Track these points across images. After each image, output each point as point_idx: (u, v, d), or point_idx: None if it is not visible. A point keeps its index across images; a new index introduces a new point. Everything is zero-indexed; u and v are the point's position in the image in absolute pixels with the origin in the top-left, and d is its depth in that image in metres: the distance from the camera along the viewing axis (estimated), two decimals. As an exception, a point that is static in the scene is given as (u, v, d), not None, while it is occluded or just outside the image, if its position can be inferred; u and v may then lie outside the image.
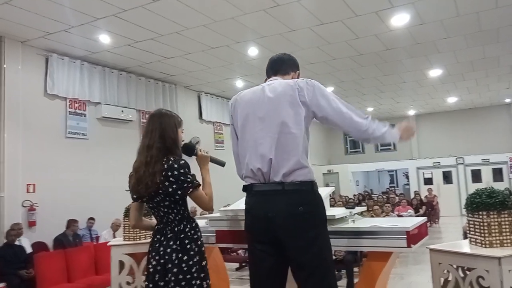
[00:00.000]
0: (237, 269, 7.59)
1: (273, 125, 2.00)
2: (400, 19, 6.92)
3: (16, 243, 6.06)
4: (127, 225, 3.44)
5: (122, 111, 8.63)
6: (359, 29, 7.31)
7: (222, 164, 2.62)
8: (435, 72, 10.50)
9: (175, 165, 2.19)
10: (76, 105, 7.85)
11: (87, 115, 8.04)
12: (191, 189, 2.20)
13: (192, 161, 2.41)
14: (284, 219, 1.91)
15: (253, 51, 8.04)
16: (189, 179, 2.20)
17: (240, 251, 7.50)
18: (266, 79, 2.27)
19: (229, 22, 6.60)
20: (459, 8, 6.58)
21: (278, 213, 1.92)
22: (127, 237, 3.44)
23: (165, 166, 2.18)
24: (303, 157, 1.98)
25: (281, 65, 2.26)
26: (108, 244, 3.54)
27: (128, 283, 3.32)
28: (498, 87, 12.78)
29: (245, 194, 2.15)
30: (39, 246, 6.58)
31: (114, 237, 6.85)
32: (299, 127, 1.99)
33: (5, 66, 6.72)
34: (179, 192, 2.18)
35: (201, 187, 2.26)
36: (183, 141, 2.41)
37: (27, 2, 5.61)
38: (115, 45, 7.37)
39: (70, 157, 7.62)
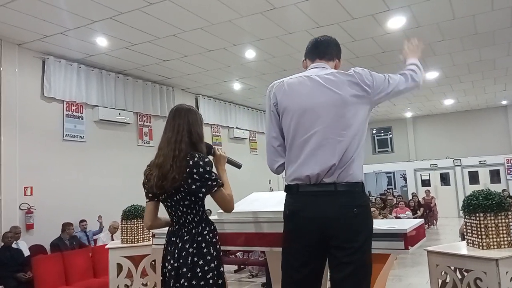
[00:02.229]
0: (235, 272, 7.59)
1: (338, 127, 1.86)
2: (396, 22, 6.95)
3: (14, 246, 6.04)
4: (125, 227, 3.44)
5: (120, 113, 8.63)
6: (355, 32, 7.34)
7: (239, 166, 2.55)
8: (431, 75, 10.54)
9: (201, 162, 2.07)
10: (73, 107, 7.84)
11: (84, 118, 8.03)
12: (215, 188, 2.09)
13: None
14: (339, 221, 1.81)
15: (250, 53, 8.05)
16: (213, 177, 2.10)
17: (238, 254, 7.50)
18: (304, 60, 2.13)
19: (226, 24, 6.62)
20: (455, 11, 6.61)
21: (331, 215, 1.82)
22: (125, 239, 3.43)
23: (190, 162, 2.06)
24: (360, 160, 1.89)
25: (327, 48, 2.10)
26: (106, 247, 3.53)
27: (126, 286, 3.32)
28: (495, 89, 12.84)
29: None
30: (37, 249, 6.56)
31: (112, 239, 6.83)
32: (363, 127, 1.92)
33: (1, 69, 6.71)
34: (203, 190, 2.07)
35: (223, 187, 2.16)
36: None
37: (24, 5, 5.61)
38: (112, 47, 7.36)
39: (68, 159, 7.60)
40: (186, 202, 2.11)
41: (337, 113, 1.87)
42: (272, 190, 12.85)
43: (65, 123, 7.65)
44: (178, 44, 7.34)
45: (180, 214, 2.16)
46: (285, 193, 2.00)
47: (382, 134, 18.98)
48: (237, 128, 12.59)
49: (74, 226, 7.15)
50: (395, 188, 19.89)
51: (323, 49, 2.09)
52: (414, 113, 16.98)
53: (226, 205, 2.17)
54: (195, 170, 2.06)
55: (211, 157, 2.29)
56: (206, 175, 2.07)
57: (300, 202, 1.89)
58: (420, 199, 13.91)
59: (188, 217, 2.14)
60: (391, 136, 18.68)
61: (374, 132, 18.95)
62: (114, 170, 8.17)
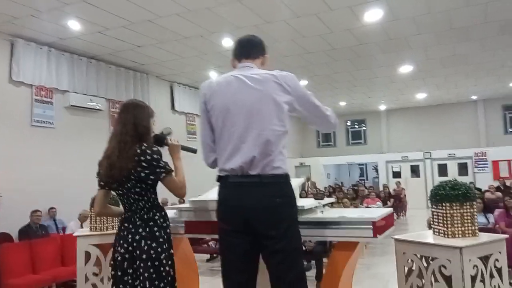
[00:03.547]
0: (207, 261, 7.58)
1: (258, 121, 1.98)
2: (373, 15, 7.01)
3: (-22, 234, 5.86)
4: (93, 215, 3.37)
5: (91, 100, 8.43)
6: (333, 24, 7.36)
7: (193, 151, 2.64)
8: (406, 68, 10.72)
9: (148, 151, 2.22)
10: (43, 92, 7.61)
11: (54, 103, 7.80)
12: (163, 174, 2.22)
13: (165, 152, 2.39)
14: (262, 210, 1.94)
15: (227, 42, 7.97)
16: (161, 165, 2.23)
17: (211, 243, 7.50)
18: (232, 59, 2.22)
19: (203, 11, 6.52)
20: (431, 5, 6.71)
21: (255, 204, 1.95)
22: (94, 227, 3.37)
23: (138, 151, 2.20)
24: (283, 152, 2.01)
25: (252, 48, 2.20)
26: (74, 234, 3.46)
27: (94, 274, 3.26)
28: (466, 84, 13.18)
29: (213, 184, 2.14)
30: (3, 237, 6.38)
31: (82, 228, 6.70)
32: (284, 123, 2.02)
33: (-34, 50, 6.44)
34: (152, 177, 2.20)
35: (173, 173, 2.28)
36: (153, 132, 2.41)
37: (-10, -17, 5.38)
38: (85, 31, 7.16)
39: (36, 146, 7.39)
40: (137, 190, 2.24)
41: (260, 109, 1.99)
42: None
43: (33, 108, 7.43)
44: (153, 29, 7.19)
45: (132, 201, 2.28)
46: (217, 182, 2.12)
47: (356, 126, 19.25)
48: (212, 117, 12.49)
49: (43, 214, 6.98)
50: (367, 180, 20.27)
51: (248, 50, 2.19)
52: (388, 106, 17.27)
53: (177, 191, 2.29)
54: (142, 158, 2.19)
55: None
56: (154, 163, 2.21)
57: (228, 192, 2.05)
58: (390, 190, 14.22)
59: (140, 203, 2.28)
60: (365, 128, 18.96)
61: (348, 124, 19.19)
62: (85, 157, 7.96)
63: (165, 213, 2.37)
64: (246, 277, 2.03)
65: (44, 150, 7.51)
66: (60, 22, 6.72)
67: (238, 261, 2.01)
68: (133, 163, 2.18)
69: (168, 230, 2.33)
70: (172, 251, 2.31)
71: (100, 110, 8.64)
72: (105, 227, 3.34)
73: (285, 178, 2.01)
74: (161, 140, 2.45)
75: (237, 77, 2.07)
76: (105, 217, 3.36)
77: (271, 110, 1.98)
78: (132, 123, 2.27)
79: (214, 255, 7.57)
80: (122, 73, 9.29)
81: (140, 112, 2.33)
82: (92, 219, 3.41)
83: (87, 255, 3.26)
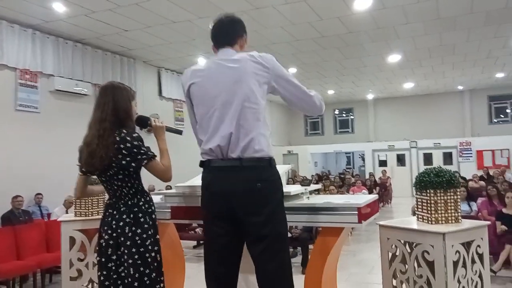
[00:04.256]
0: (194, 247, 7.61)
1: (235, 99, 1.95)
2: (362, 3, 6.99)
3: (-40, 219, 5.76)
4: (78, 201, 3.33)
5: (77, 84, 8.29)
6: (322, 11, 7.33)
7: (179, 132, 2.58)
8: (394, 58, 10.76)
9: (128, 138, 2.16)
10: (27, 76, 7.45)
11: (39, 87, 7.66)
12: (145, 161, 2.18)
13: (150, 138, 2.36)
14: (242, 195, 1.91)
15: (215, 27, 7.87)
16: (142, 151, 2.18)
17: (198, 229, 7.51)
18: (212, 46, 2.19)
19: (191, -4, 6.43)
20: (419, -6, 6.72)
21: (236, 189, 1.91)
22: (79, 213, 3.34)
23: (117, 138, 2.14)
24: (262, 132, 1.96)
25: (226, 36, 2.15)
26: (59, 219, 3.43)
27: (79, 260, 3.24)
28: (453, 74, 13.29)
29: (201, 170, 2.12)
30: (-15, 223, 6.29)
31: (67, 214, 6.64)
32: (261, 101, 1.98)
33: None
34: (133, 164, 2.16)
35: (157, 158, 2.24)
36: (136, 113, 2.36)
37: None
38: (71, 14, 7.00)
39: (20, 131, 7.26)
40: (119, 177, 2.20)
41: (236, 88, 1.96)
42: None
43: (18, 92, 7.28)
44: (140, 13, 7.07)
45: (115, 188, 2.25)
46: (200, 167, 2.09)
47: (344, 115, 19.34)
48: (200, 104, 12.40)
49: (27, 200, 6.89)
50: (353, 168, 20.44)
51: (223, 39, 2.15)
52: (375, 95, 17.35)
53: (162, 175, 2.24)
54: (122, 146, 2.14)
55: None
56: (135, 149, 2.15)
57: (210, 177, 2.02)
58: (376, 179, 14.37)
59: (123, 190, 2.24)
60: (352, 117, 19.06)
61: (336, 113, 19.26)
62: (70, 143, 7.78)
63: (150, 199, 2.34)
64: (227, 269, 2.01)
65: (28, 135, 7.38)
66: (44, 4, 6.57)
67: (219, 252, 2.00)
68: (113, 151, 2.13)
69: (153, 216, 2.30)
70: (158, 236, 2.28)
71: (86, 95, 8.50)
72: (90, 213, 3.31)
73: (267, 161, 1.96)
74: (144, 121, 2.39)
75: (216, 61, 2.08)
76: (89, 203, 3.33)
77: (248, 88, 1.95)
78: (112, 108, 2.20)
79: (201, 241, 7.59)
80: (109, 58, 9.14)
81: (119, 95, 2.25)
82: (76, 204, 3.38)
83: (72, 241, 3.23)
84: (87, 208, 3.31)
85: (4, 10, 6.72)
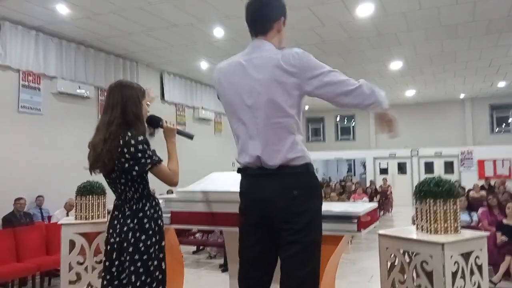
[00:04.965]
0: (194, 252, 7.60)
1: (262, 115, 1.82)
2: (365, 9, 7.02)
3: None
4: (79, 203, 3.34)
5: (79, 86, 8.31)
6: (325, 17, 7.36)
7: (190, 136, 2.51)
8: (395, 65, 10.77)
9: (132, 141, 2.07)
10: (30, 78, 7.48)
11: (42, 89, 7.68)
12: (149, 165, 2.11)
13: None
14: (278, 203, 1.83)
15: (218, 31, 7.92)
16: (147, 155, 2.09)
17: (197, 235, 7.50)
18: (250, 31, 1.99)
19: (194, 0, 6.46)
20: (422, 1, 6.74)
21: (272, 197, 1.84)
22: (79, 216, 3.34)
23: (121, 142, 2.07)
24: (296, 140, 1.86)
25: (261, 21, 1.94)
26: (59, 222, 3.43)
27: (78, 263, 3.24)
28: (454, 82, 13.29)
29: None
30: (-14, 224, 6.30)
31: (68, 216, 6.64)
32: (290, 113, 1.83)
33: (-49, 31, 6.28)
34: (136, 168, 2.09)
35: (163, 163, 2.17)
36: (148, 112, 2.29)
37: (-23, -36, 5.24)
38: (74, 16, 7.04)
39: (23, 132, 7.27)
40: (122, 181, 2.15)
41: (261, 100, 1.82)
42: (234, 172, 12.87)
43: (20, 93, 7.30)
44: (143, 17, 7.10)
45: (120, 191, 2.20)
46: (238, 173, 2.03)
47: (345, 122, 19.33)
48: (202, 108, 12.43)
49: (28, 202, 6.90)
50: (354, 175, 20.41)
51: (257, 25, 1.95)
52: (377, 102, 17.32)
53: (168, 180, 2.18)
54: (125, 150, 2.07)
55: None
56: (139, 154, 2.08)
57: (246, 184, 1.95)
58: (377, 187, 14.35)
59: (128, 194, 2.18)
60: (354, 124, 19.05)
61: (337, 119, 19.26)
62: (72, 145, 7.88)
63: (157, 203, 2.26)
64: (260, 277, 1.94)
65: (30, 137, 7.40)
66: (48, 6, 6.60)
67: (254, 259, 1.93)
68: (117, 154, 2.06)
69: (159, 222, 2.21)
70: (163, 243, 2.20)
71: (88, 97, 8.53)
72: (90, 216, 3.31)
73: (305, 167, 1.86)
74: (156, 122, 2.32)
75: (240, 62, 1.91)
76: (90, 206, 3.33)
77: (274, 102, 1.80)
78: (120, 111, 2.12)
79: (201, 247, 7.58)
80: (112, 60, 9.17)
81: (128, 96, 2.15)
82: (77, 207, 3.38)
83: (72, 244, 3.23)
84: (87, 212, 3.31)
85: (8, 11, 6.76)
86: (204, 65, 10.39)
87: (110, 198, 3.49)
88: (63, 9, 6.71)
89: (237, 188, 2.01)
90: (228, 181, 2.67)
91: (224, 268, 6.21)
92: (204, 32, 7.93)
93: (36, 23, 7.34)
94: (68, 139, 7.90)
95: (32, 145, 7.39)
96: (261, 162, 1.85)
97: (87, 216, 3.32)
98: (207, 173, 3.07)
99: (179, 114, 11.56)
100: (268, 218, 1.87)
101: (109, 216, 2.32)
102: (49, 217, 7.20)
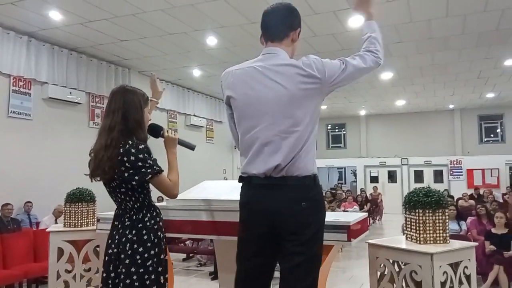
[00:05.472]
0: (183, 260, 7.55)
1: (284, 124, 1.80)
2: (356, 21, 7.09)
3: None
4: (68, 211, 3.31)
5: (71, 92, 8.26)
6: (317, 28, 7.42)
7: (191, 147, 2.44)
8: (386, 75, 10.88)
9: (132, 150, 2.01)
10: (21, 83, 7.42)
11: (32, 95, 7.62)
12: (150, 175, 2.03)
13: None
14: (286, 214, 1.80)
15: (211, 40, 7.94)
16: (147, 165, 2.03)
17: (187, 242, 7.46)
18: (260, 36, 2.01)
19: (188, 8, 6.48)
20: (413, 14, 6.84)
21: (279, 208, 1.81)
22: (68, 223, 3.31)
23: (121, 150, 2.01)
24: (308, 149, 1.85)
25: (277, 29, 1.94)
26: (47, 230, 3.40)
27: (67, 271, 3.22)
28: (444, 93, 13.46)
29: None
30: (-28, 231, 6.19)
31: (56, 223, 6.57)
32: (310, 122, 1.84)
33: None
34: (136, 178, 2.01)
35: (163, 173, 2.10)
36: (150, 120, 2.25)
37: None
38: (66, 22, 7.02)
39: (12, 138, 7.20)
40: (122, 190, 2.08)
41: (284, 109, 1.81)
42: (226, 180, 12.85)
43: (10, 99, 7.24)
44: (137, 24, 7.11)
45: (120, 200, 2.14)
46: (239, 183, 1.98)
47: (337, 130, 19.44)
48: (194, 115, 12.43)
49: (16, 208, 6.81)
50: (345, 183, 20.46)
51: (273, 31, 1.96)
52: (367, 112, 17.49)
53: (167, 192, 2.12)
54: (125, 158, 2.01)
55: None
56: (139, 163, 2.01)
57: (251, 194, 1.89)
58: (368, 195, 14.41)
59: (128, 204, 2.12)
60: (344, 132, 19.17)
61: (329, 128, 19.36)
62: (63, 151, 7.83)
63: (157, 214, 2.18)
64: (259, 286, 1.93)
65: (20, 142, 7.32)
66: (41, 12, 6.58)
67: (251, 271, 1.91)
68: (116, 163, 2.01)
69: (159, 233, 2.12)
70: (164, 256, 2.12)
71: (79, 103, 8.47)
72: (79, 223, 3.29)
73: (312, 179, 1.85)
74: (157, 130, 2.28)
75: (257, 69, 1.88)
76: (79, 214, 3.31)
77: (295, 111, 1.80)
78: (121, 117, 2.06)
79: (190, 254, 7.54)
80: (104, 67, 9.15)
81: (130, 102, 2.10)
82: (66, 215, 3.36)
83: (60, 252, 3.21)
84: (76, 219, 3.29)
85: (0, 17, 6.73)
86: (196, 72, 10.40)
87: (100, 205, 3.47)
88: (56, 16, 6.70)
89: (229, 197, 2.01)
90: (220, 190, 2.67)
91: (214, 276, 6.17)
92: (197, 40, 7.95)
93: (29, 29, 7.30)
94: (58, 144, 7.84)
95: (21, 150, 7.31)
96: (276, 172, 1.81)
97: (76, 224, 3.30)
98: (199, 181, 3.06)
99: (170, 120, 11.55)
100: (273, 228, 1.83)
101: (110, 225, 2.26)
102: (38, 223, 7.11)
